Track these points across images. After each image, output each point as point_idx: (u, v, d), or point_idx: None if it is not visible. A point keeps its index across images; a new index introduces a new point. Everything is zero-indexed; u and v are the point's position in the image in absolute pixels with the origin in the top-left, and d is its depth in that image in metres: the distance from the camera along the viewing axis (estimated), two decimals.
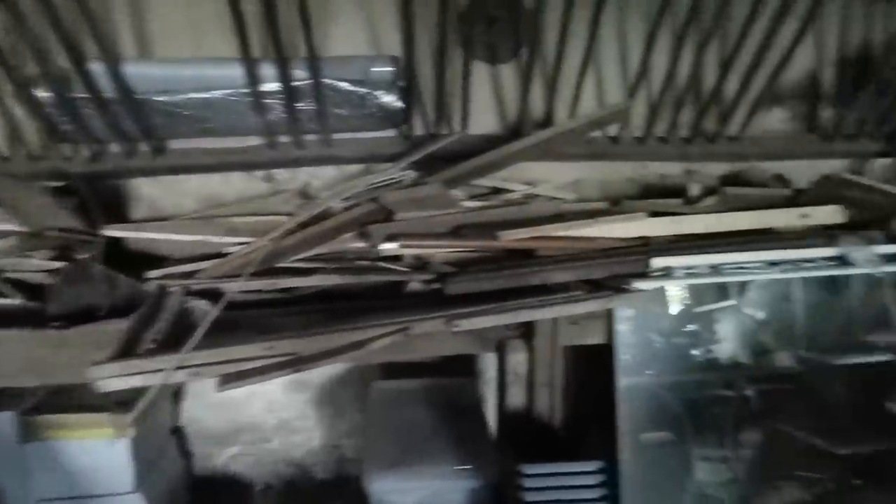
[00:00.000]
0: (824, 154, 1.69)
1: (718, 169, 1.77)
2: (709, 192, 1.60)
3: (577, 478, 1.21)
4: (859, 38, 1.66)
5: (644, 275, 1.36)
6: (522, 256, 1.45)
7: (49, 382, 1.30)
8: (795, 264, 1.37)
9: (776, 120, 1.73)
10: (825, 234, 1.43)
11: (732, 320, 1.89)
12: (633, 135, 1.69)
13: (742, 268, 1.40)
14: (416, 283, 1.46)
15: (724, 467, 1.89)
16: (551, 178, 1.74)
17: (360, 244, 1.50)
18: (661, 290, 1.43)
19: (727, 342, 1.93)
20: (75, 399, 1.48)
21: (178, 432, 1.83)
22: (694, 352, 1.92)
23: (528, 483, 1.21)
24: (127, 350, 1.16)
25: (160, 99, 1.49)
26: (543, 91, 1.63)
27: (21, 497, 1.43)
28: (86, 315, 1.39)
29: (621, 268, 1.37)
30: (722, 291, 1.83)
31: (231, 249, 1.55)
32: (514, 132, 1.66)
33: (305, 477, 1.93)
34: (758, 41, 1.46)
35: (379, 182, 1.52)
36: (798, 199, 1.57)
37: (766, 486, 1.79)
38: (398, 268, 1.44)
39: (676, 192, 1.69)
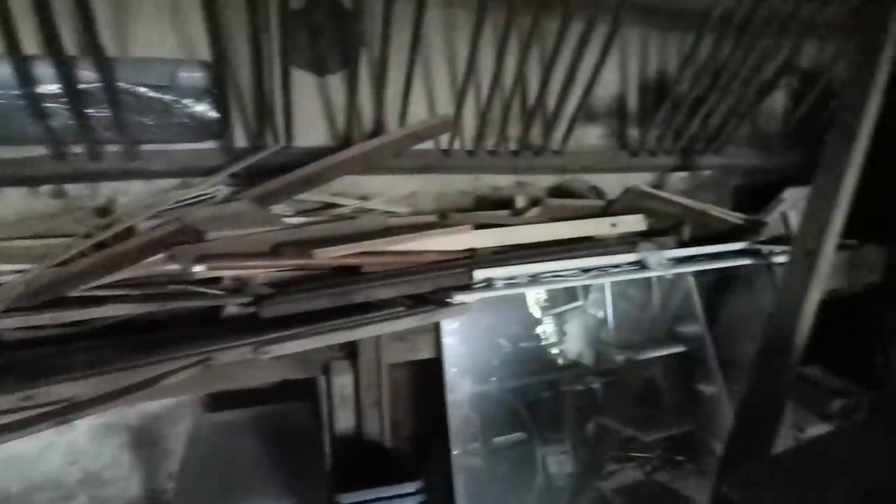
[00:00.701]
0: (633, 168, 1.86)
1: (547, 181, 1.88)
2: (534, 203, 1.68)
3: (398, 501, 1.18)
4: (656, 63, 1.86)
5: (467, 287, 1.37)
6: (347, 273, 1.40)
7: None
8: (603, 270, 1.48)
9: (594, 136, 1.88)
10: (630, 242, 1.56)
11: (579, 320, 2.03)
12: (465, 147, 1.73)
13: (559, 276, 1.48)
14: (232, 308, 1.34)
15: (566, 459, 2.01)
16: (387, 192, 1.73)
17: (168, 267, 1.35)
18: (521, 297, 1.46)
19: (572, 342, 2.06)
20: None
21: None
22: (543, 353, 2.03)
23: None
24: None
25: None
26: (372, 102, 1.61)
27: None
28: None
29: (446, 281, 1.38)
30: (571, 294, 1.95)
31: (3, 279, 1.31)
32: (344, 144, 1.62)
33: None
34: (569, 60, 1.57)
35: (189, 198, 1.39)
36: (609, 209, 1.71)
37: (602, 473, 1.93)
38: (210, 291, 1.31)
39: (507, 203, 1.76)
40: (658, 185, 1.86)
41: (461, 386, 1.73)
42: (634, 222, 1.63)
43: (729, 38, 1.65)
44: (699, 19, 1.63)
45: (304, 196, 1.51)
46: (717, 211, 1.59)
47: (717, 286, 1.84)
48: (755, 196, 1.96)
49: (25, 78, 1.27)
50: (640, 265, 1.47)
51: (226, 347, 1.11)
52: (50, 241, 1.40)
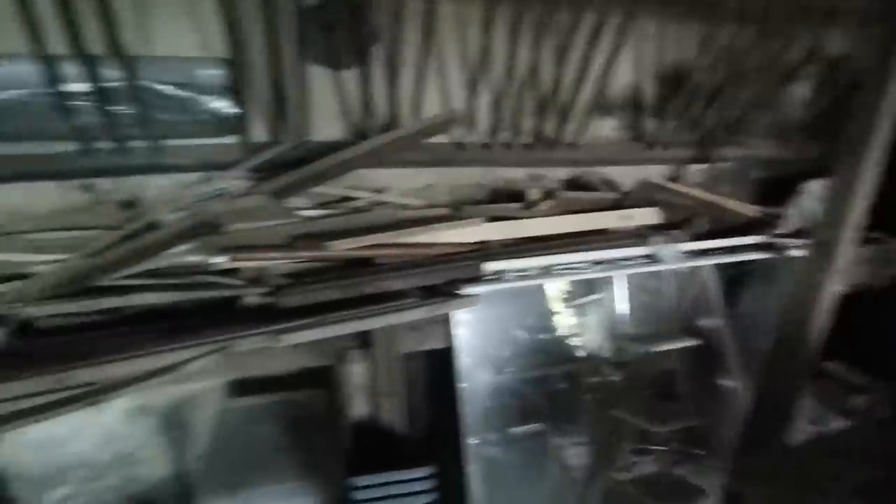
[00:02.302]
0: (647, 160, 1.84)
1: (561, 174, 1.88)
2: (547, 195, 1.68)
3: (408, 485, 1.21)
4: (673, 53, 1.83)
5: (478, 279, 1.39)
6: (361, 265, 1.44)
7: None
8: (615, 263, 1.48)
9: (608, 128, 1.86)
10: (642, 235, 1.56)
11: (598, 313, 2.03)
12: (479, 141, 1.74)
13: (571, 268, 1.49)
14: (251, 297, 1.39)
15: (582, 451, 2.03)
16: (401, 185, 1.75)
17: (189, 258, 1.41)
18: (540, 288, 1.47)
19: (589, 334, 2.07)
20: None
21: None
22: (557, 345, 2.04)
23: (359, 495, 1.20)
24: None
25: None
26: (386, 96, 1.63)
27: None
28: None
29: (457, 273, 1.40)
30: (591, 286, 1.95)
31: (38, 269, 1.39)
32: (359, 138, 1.65)
33: None
34: (581, 52, 1.56)
35: (209, 192, 1.44)
36: (623, 202, 1.70)
37: (618, 465, 1.94)
38: (230, 282, 1.36)
39: (521, 196, 1.76)
40: (674, 178, 1.84)
41: (477, 376, 1.76)
42: (648, 215, 1.62)
43: (749, 26, 1.62)
44: (717, 7, 1.60)
45: (321, 189, 1.54)
46: (732, 204, 1.57)
47: (738, 279, 1.82)
48: (777, 188, 1.92)
49: (53, 77, 1.33)
50: (654, 258, 1.47)
51: (244, 335, 1.16)
52: (80, 233, 1.46)
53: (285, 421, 1.56)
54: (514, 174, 1.83)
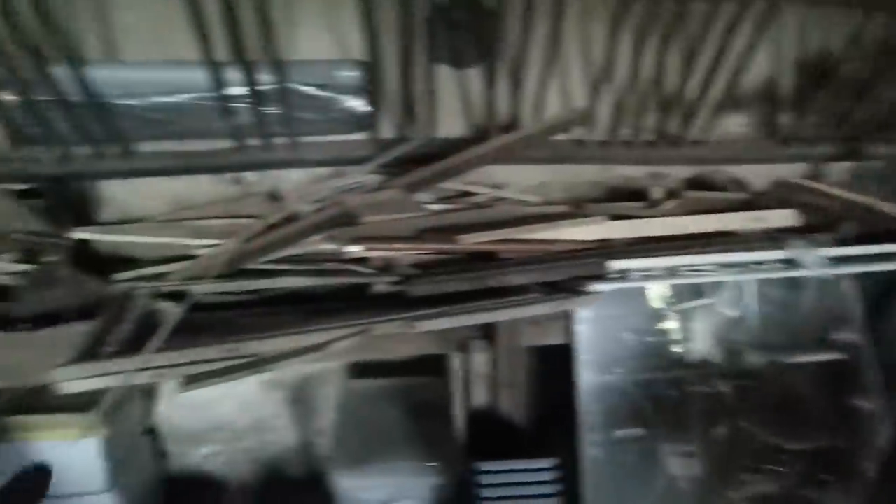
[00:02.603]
0: (783, 158, 1.73)
1: (683, 172, 1.81)
2: (670, 195, 1.63)
3: (532, 475, 1.25)
4: (817, 43, 1.69)
5: (601, 277, 1.39)
6: (484, 259, 1.48)
7: (16, 384, 1.31)
8: (748, 267, 1.41)
9: (737, 124, 1.77)
10: (776, 238, 1.47)
11: (708, 318, 1.94)
12: (598, 138, 1.73)
13: (698, 270, 1.44)
14: (381, 285, 1.49)
15: (693, 462, 1.95)
16: (517, 181, 1.78)
17: (326, 246, 1.52)
18: (641, 290, 1.45)
19: (701, 339, 1.98)
20: (44, 400, 1.49)
21: (151, 432, 1.85)
22: (668, 349, 1.97)
23: (484, 480, 1.25)
24: (90, 352, 1.18)
25: (126, 102, 1.50)
26: (509, 95, 1.65)
27: None
28: (53, 317, 1.40)
29: (580, 270, 1.41)
30: (699, 290, 1.87)
31: (199, 252, 1.57)
32: (481, 135, 1.69)
33: (279, 475, 1.96)
34: (716, 45, 1.49)
35: (345, 186, 1.54)
36: (755, 202, 1.61)
37: (733, 481, 1.85)
38: (364, 270, 1.46)
39: (640, 195, 1.73)
40: (813, 177, 1.72)
41: (585, 374, 1.75)
42: (784, 217, 1.52)
43: None
44: None
45: (445, 184, 1.60)
46: (886, 206, 1.44)
47: (882, 290, 1.66)
48: None
49: (218, 82, 1.49)
50: (792, 263, 1.39)
51: (383, 320, 1.24)
52: (232, 221, 1.64)
53: (402, 404, 1.65)
54: (633, 172, 1.80)
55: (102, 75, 1.47)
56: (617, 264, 1.40)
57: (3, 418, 1.43)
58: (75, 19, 1.47)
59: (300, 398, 1.91)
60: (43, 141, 1.52)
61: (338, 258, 1.53)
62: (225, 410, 1.88)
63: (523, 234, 1.42)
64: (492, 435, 1.47)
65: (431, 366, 1.91)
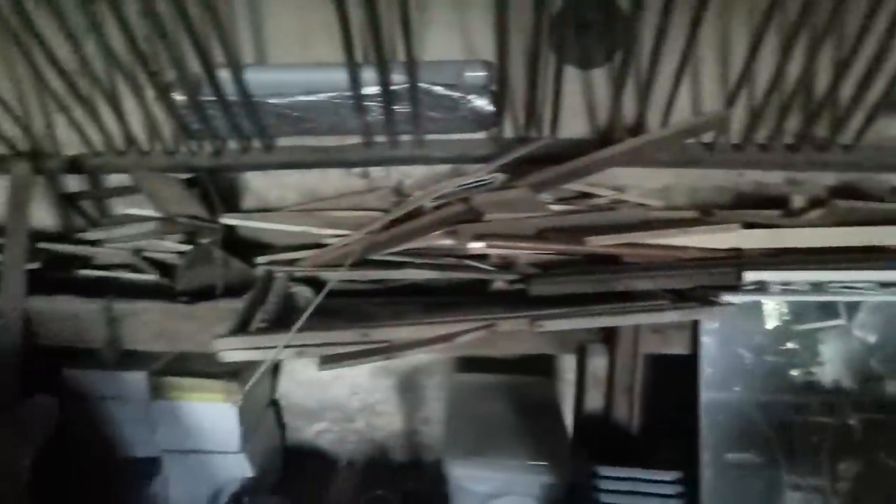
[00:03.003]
0: None
1: (827, 179, 1.67)
2: (814, 203, 1.51)
3: (654, 486, 1.21)
4: None
5: (735, 288, 1.32)
6: (606, 262, 1.46)
7: (176, 349, 1.48)
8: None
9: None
10: None
11: (839, 341, 1.77)
12: (731, 141, 1.63)
13: (847, 287, 1.33)
14: (500, 283, 1.51)
15: (818, 498, 1.78)
16: (638, 184, 1.73)
17: (447, 242, 1.57)
18: (758, 305, 1.36)
19: (831, 364, 1.80)
20: (194, 366, 1.68)
21: (274, 405, 2.01)
22: (791, 372, 1.82)
23: (603, 485, 1.23)
24: (242, 326, 1.30)
25: (272, 101, 1.64)
26: (636, 96, 1.61)
27: (149, 446, 1.65)
28: (206, 293, 1.56)
29: (710, 279, 1.34)
30: (829, 310, 1.71)
31: (329, 241, 1.68)
32: (603, 137, 1.66)
33: (385, 458, 2.05)
34: (877, 42, 1.36)
35: (469, 183, 1.58)
36: None
37: None
38: (484, 266, 1.49)
39: (774, 202, 1.61)
40: None
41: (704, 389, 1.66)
42: None
43: None
44: None
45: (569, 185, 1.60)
46: None
47: None
48: None
49: (356, 82, 1.58)
50: None
51: (507, 317, 1.26)
52: (359, 213, 1.73)
53: (512, 400, 1.66)
54: (766, 178, 1.68)
55: (254, 77, 1.61)
56: (752, 275, 1.32)
57: (162, 378, 1.63)
58: (233, 26, 1.63)
59: (408, 387, 1.98)
60: (203, 136, 1.70)
61: (458, 253, 1.58)
62: (338, 392, 2.00)
63: (653, 238, 1.38)
64: (603, 440, 1.45)
65: (536, 365, 1.92)
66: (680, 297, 1.36)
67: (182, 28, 1.39)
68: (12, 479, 0.44)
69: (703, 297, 1.32)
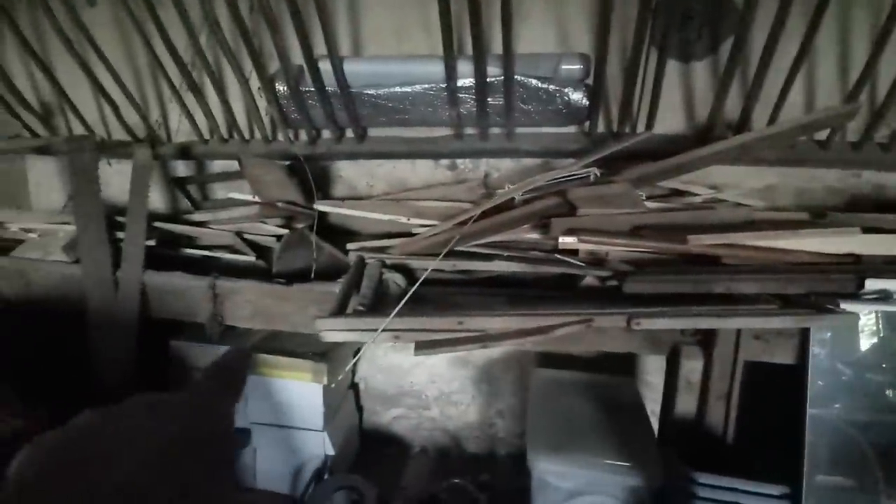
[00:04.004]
0: None
1: None
2: None
3: (755, 499, 1.16)
4: None
5: (854, 296, 1.24)
6: (703, 263, 1.40)
7: (272, 328, 1.56)
8: None
9: None
10: None
11: None
12: (848, 139, 1.53)
13: None
14: (590, 279, 1.48)
15: None
16: (737, 183, 1.65)
17: (536, 235, 1.56)
18: (856, 317, 1.27)
19: None
20: (285, 345, 1.76)
21: (354, 388, 2.07)
22: (887, 391, 1.69)
23: (700, 492, 1.19)
24: (341, 309, 1.35)
25: (368, 92, 1.68)
26: (740, 91, 1.54)
27: (240, 419, 1.74)
28: (300, 275, 1.63)
29: (824, 285, 1.26)
30: None
31: (417, 230, 1.71)
32: (702, 133, 1.60)
33: (459, 447, 2.07)
34: None
35: (564, 177, 1.56)
36: None
37: None
38: (576, 261, 1.47)
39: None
40: None
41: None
42: None
43: None
44: None
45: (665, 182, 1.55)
46: None
47: None
48: None
49: (452, 74, 1.60)
50: None
51: (605, 313, 1.24)
52: (448, 203, 1.75)
53: (595, 399, 1.64)
54: (888, 179, 1.57)
55: (351, 68, 1.66)
56: (874, 283, 1.23)
57: (256, 354, 1.72)
58: (333, 19, 1.69)
59: (485, 379, 1.99)
60: (300, 125, 1.78)
61: (547, 247, 1.57)
62: (416, 380, 2.04)
63: (762, 239, 1.31)
64: (694, 446, 1.40)
65: (615, 365, 1.88)
66: (786, 303, 1.28)
67: (290, 21, 1.45)
68: (224, 423, 0.48)
69: (817, 304, 1.24)
